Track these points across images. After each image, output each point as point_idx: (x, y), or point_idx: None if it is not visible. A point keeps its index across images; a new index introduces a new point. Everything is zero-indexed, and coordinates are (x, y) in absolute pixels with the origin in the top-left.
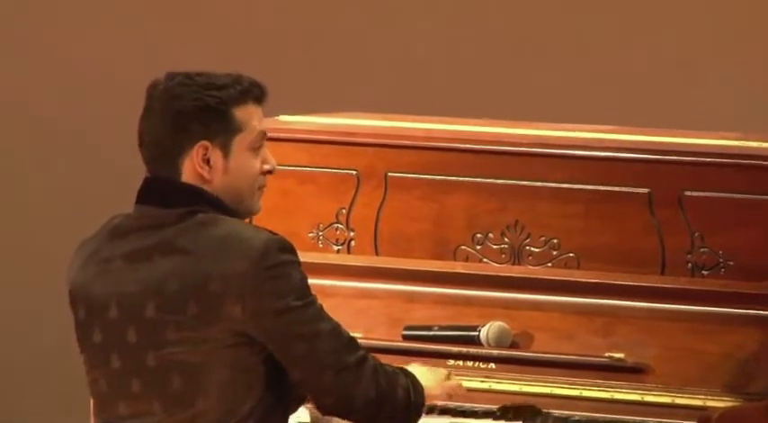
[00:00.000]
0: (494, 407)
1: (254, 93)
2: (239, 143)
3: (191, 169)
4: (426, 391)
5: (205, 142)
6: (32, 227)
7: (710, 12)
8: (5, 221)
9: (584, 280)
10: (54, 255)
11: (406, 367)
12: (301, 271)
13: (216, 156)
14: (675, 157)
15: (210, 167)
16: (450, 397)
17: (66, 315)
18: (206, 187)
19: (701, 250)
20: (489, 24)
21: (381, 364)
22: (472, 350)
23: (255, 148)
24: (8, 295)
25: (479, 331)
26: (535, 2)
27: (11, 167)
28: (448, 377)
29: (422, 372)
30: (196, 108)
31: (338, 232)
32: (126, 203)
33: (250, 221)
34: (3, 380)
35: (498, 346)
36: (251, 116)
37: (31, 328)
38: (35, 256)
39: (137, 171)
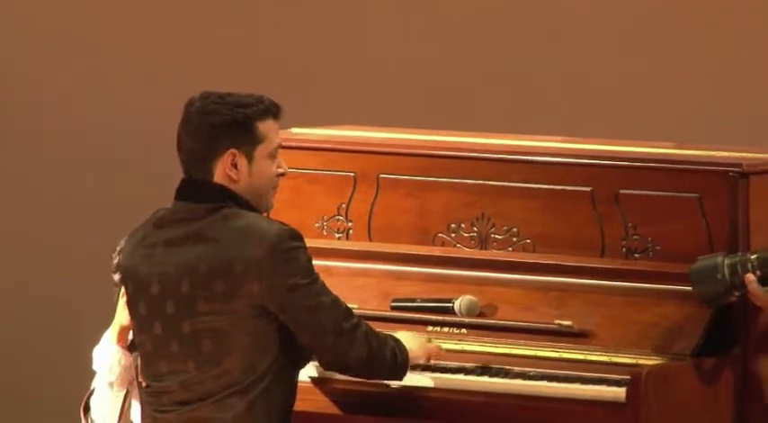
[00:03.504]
0: (465, 364)
1: (273, 111)
2: (261, 151)
3: (221, 172)
4: (411, 354)
5: (234, 150)
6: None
7: (667, 36)
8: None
9: (539, 261)
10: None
11: (394, 334)
12: (308, 254)
13: (242, 161)
14: (613, 162)
15: (237, 171)
16: (430, 358)
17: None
18: (233, 187)
19: (634, 238)
20: (471, 52)
21: (373, 330)
22: (447, 318)
23: (273, 156)
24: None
25: (453, 303)
26: (510, 31)
27: (54, 171)
28: (429, 341)
29: (407, 337)
30: (226, 123)
31: (339, 223)
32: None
33: (268, 213)
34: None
35: (469, 315)
36: (270, 130)
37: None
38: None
39: (164, 179)
